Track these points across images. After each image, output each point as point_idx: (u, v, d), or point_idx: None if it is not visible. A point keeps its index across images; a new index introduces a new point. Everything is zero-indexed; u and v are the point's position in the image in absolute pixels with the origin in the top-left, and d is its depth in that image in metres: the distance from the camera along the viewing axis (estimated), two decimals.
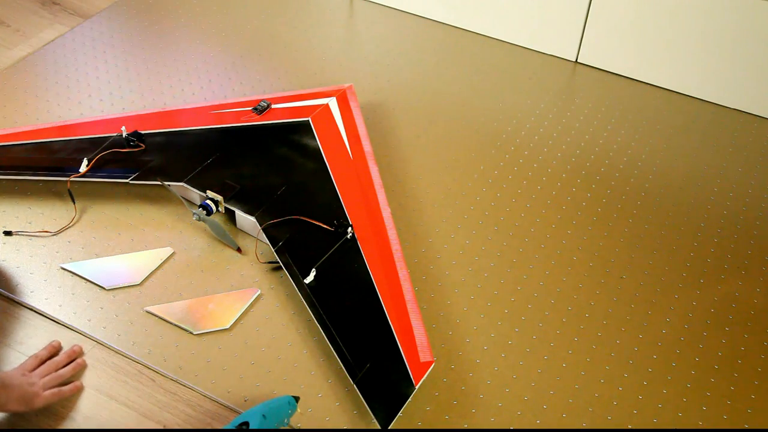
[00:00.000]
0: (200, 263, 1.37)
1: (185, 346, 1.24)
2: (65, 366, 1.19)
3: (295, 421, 1.14)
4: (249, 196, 1.42)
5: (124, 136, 1.50)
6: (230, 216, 1.43)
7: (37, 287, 1.32)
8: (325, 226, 1.36)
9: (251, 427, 1.04)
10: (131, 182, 1.44)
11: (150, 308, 1.28)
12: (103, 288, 1.32)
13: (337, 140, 1.55)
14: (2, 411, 1.11)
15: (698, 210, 1.54)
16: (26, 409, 1.12)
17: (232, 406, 1.16)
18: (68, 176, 1.44)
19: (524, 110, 1.77)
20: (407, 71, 1.87)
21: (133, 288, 1.32)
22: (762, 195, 1.58)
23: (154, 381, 1.20)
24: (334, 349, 1.18)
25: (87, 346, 1.24)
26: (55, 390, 1.14)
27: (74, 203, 1.45)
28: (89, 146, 1.50)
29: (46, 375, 1.16)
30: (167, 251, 1.39)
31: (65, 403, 1.15)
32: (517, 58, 1.93)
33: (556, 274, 1.39)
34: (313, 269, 1.29)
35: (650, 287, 1.38)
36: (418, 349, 1.19)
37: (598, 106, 1.79)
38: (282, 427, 1.10)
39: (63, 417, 1.14)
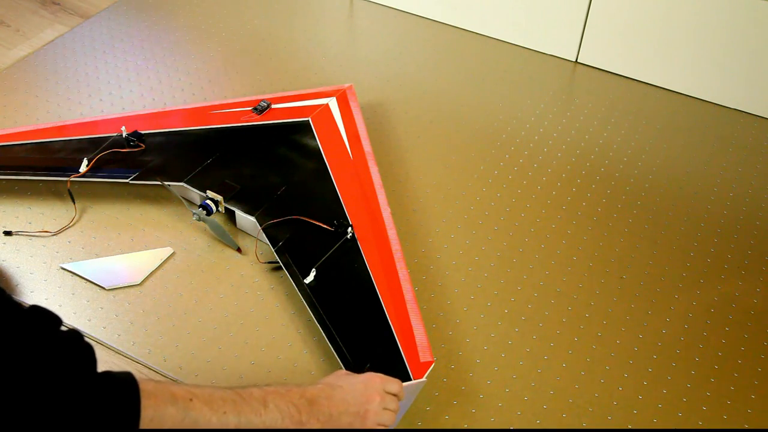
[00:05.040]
0: (200, 263, 1.37)
1: (185, 346, 1.24)
2: None
3: None
4: (249, 196, 1.42)
5: (124, 136, 1.50)
6: (230, 216, 1.43)
7: (37, 287, 1.32)
8: (325, 226, 1.36)
9: None
10: (131, 182, 1.44)
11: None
12: (103, 288, 1.32)
13: (337, 140, 1.55)
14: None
15: (698, 210, 1.54)
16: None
17: None
18: (68, 176, 1.44)
19: (524, 110, 1.77)
20: (407, 71, 1.87)
21: (133, 288, 1.32)
22: (762, 195, 1.58)
23: None
24: (334, 349, 1.18)
25: None
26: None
27: (74, 203, 1.45)
28: (89, 146, 1.50)
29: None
30: (167, 251, 1.39)
31: None
32: (517, 58, 1.93)
33: (556, 274, 1.39)
34: (313, 269, 1.29)
35: (650, 287, 1.38)
36: (418, 349, 1.19)
37: (598, 106, 1.79)
38: None
39: None
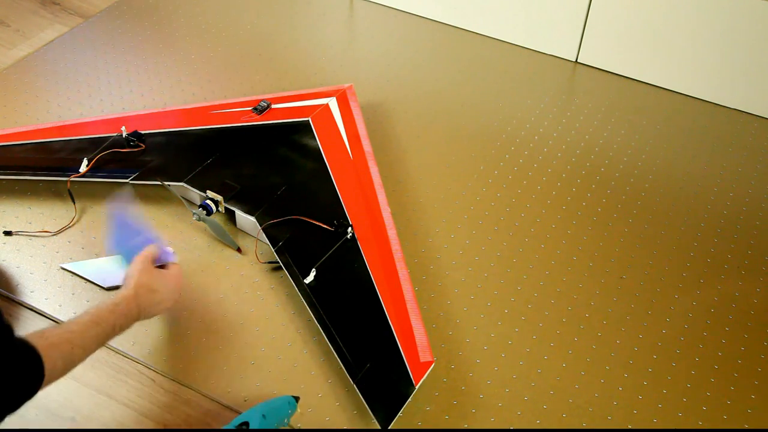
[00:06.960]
0: (200, 263, 1.37)
1: (185, 347, 1.24)
2: None
3: (295, 421, 1.14)
4: (249, 196, 1.42)
5: (124, 136, 1.50)
6: (230, 216, 1.43)
7: (37, 287, 1.32)
8: (325, 226, 1.36)
9: (251, 427, 1.04)
10: (131, 182, 1.44)
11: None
12: (103, 288, 1.32)
13: (337, 140, 1.55)
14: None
15: (698, 210, 1.54)
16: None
17: (232, 406, 1.16)
18: (68, 176, 1.44)
19: (524, 110, 1.77)
20: (407, 71, 1.87)
21: None
22: (762, 195, 1.59)
23: (154, 381, 1.20)
24: (334, 349, 1.18)
25: None
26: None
27: (74, 203, 1.45)
28: (89, 146, 1.50)
29: None
30: None
31: (65, 403, 1.15)
32: (517, 58, 1.93)
33: (556, 274, 1.39)
34: (313, 269, 1.29)
35: (650, 287, 1.38)
36: (418, 349, 1.19)
37: (598, 106, 1.79)
38: (282, 427, 1.11)
39: (63, 417, 1.14)
